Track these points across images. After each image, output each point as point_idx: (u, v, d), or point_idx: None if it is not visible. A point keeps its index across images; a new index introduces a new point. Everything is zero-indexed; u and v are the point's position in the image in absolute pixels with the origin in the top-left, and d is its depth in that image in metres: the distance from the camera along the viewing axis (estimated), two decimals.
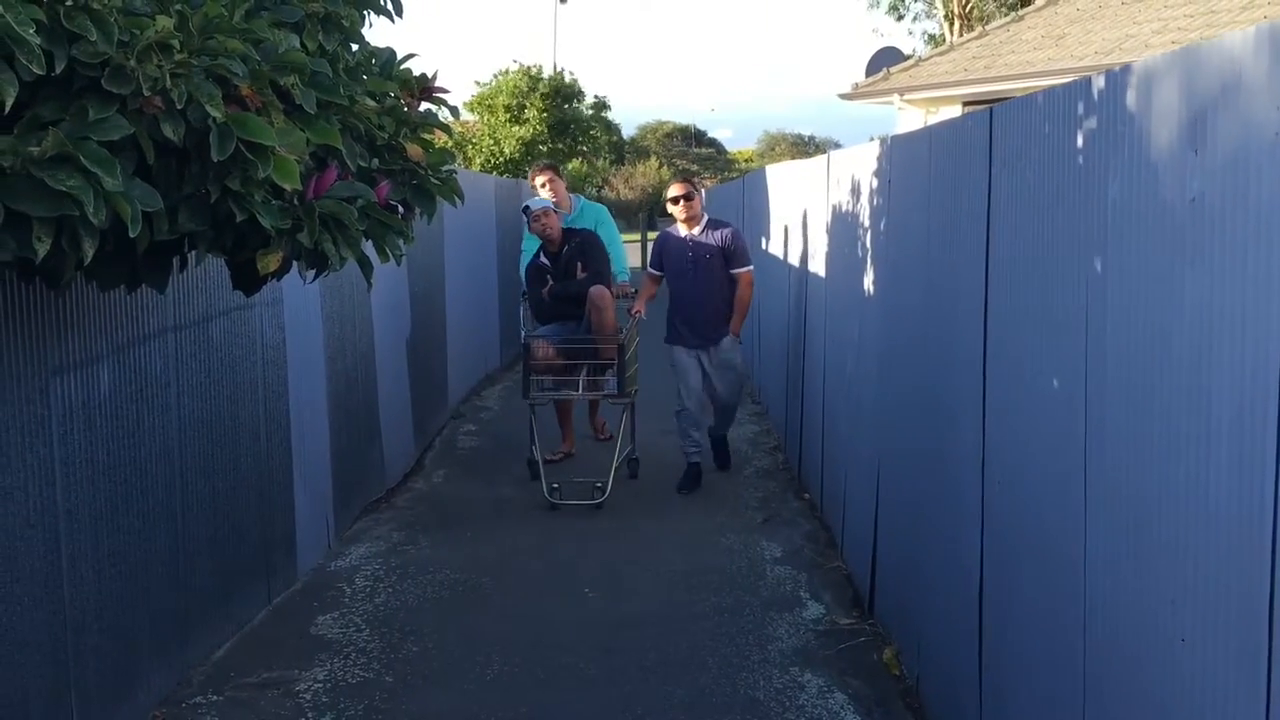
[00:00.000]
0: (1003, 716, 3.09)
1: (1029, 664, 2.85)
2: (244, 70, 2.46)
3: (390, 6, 3.34)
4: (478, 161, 21.57)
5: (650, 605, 5.04)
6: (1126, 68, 2.13)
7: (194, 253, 2.81)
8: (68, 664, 3.33)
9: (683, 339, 7.11)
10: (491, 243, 11.30)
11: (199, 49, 2.40)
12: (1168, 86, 1.99)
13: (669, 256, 7.14)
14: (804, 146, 59.14)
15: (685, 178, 7.35)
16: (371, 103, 3.09)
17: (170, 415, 4.02)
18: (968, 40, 15.60)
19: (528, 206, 7.31)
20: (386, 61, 3.27)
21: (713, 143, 62.18)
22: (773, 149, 59.00)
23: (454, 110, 3.47)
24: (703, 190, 7.46)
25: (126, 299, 3.67)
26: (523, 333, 7.42)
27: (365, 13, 3.24)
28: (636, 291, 7.44)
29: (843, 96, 16.32)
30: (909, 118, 14.04)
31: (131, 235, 2.26)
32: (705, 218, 7.13)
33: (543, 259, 7.28)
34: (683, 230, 7.09)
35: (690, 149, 58.86)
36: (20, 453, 3.09)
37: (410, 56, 3.29)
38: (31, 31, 2.04)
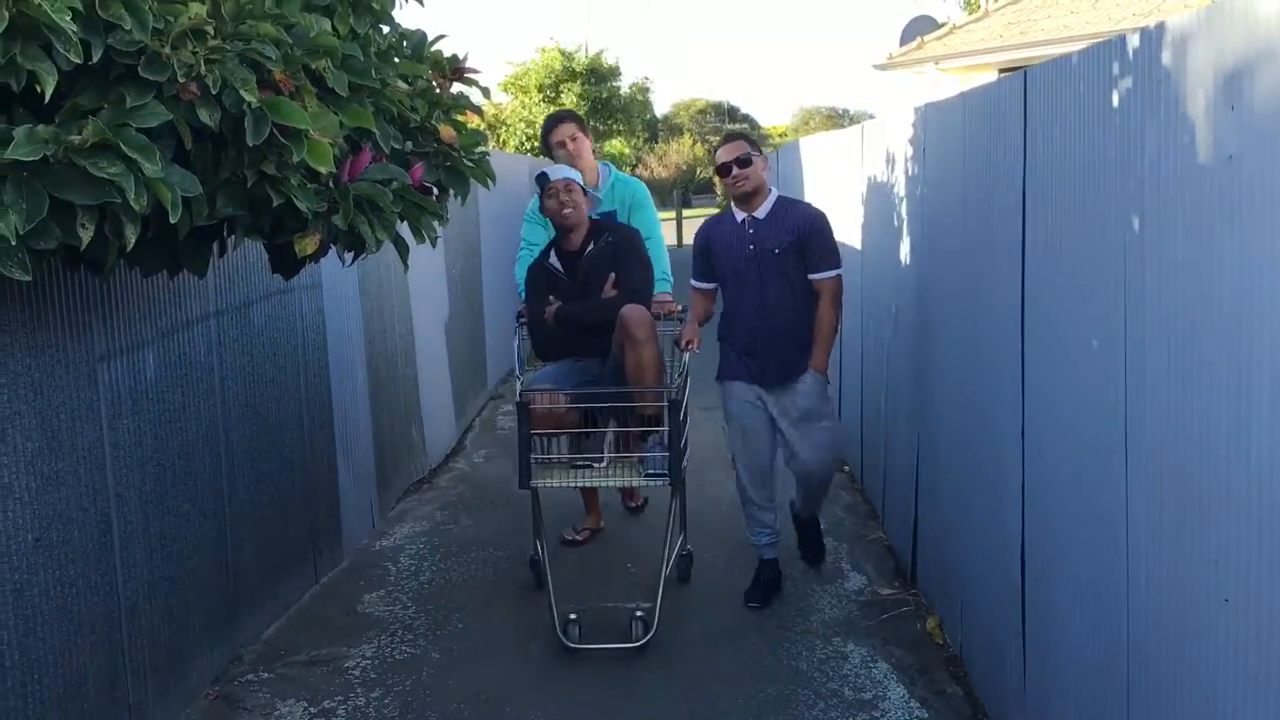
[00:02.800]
0: (1046, 683, 3.09)
1: (1072, 629, 2.84)
2: (277, 55, 2.48)
3: None
4: (511, 143, 21.59)
5: (693, 574, 5.07)
6: (1160, 25, 2.10)
7: (232, 237, 2.85)
8: (122, 644, 3.41)
9: (740, 375, 4.67)
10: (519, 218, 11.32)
11: (232, 34, 2.43)
12: (1203, 44, 1.97)
13: (719, 255, 4.70)
14: (839, 119, 58.66)
15: (739, 137, 4.81)
16: (404, 85, 3.11)
17: (215, 399, 4.08)
18: (1003, 6, 15.41)
19: (544, 174, 4.82)
20: (418, 43, 3.28)
21: (746, 118, 61.81)
22: (807, 123, 58.55)
23: (485, 91, 3.49)
24: (764, 155, 4.74)
25: (169, 285, 3.72)
26: (517, 381, 4.66)
27: None
28: (686, 313, 4.91)
29: (877, 67, 16.18)
30: (945, 86, 13.88)
31: (172, 221, 2.29)
32: (773, 194, 4.65)
33: (553, 260, 4.87)
34: (738, 213, 4.65)
35: (723, 124, 58.59)
36: (71, 437, 3.15)
37: (441, 38, 3.30)
38: (69, 20, 2.07)
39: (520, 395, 4.40)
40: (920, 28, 16.74)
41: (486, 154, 3.40)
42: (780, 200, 4.62)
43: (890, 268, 5.26)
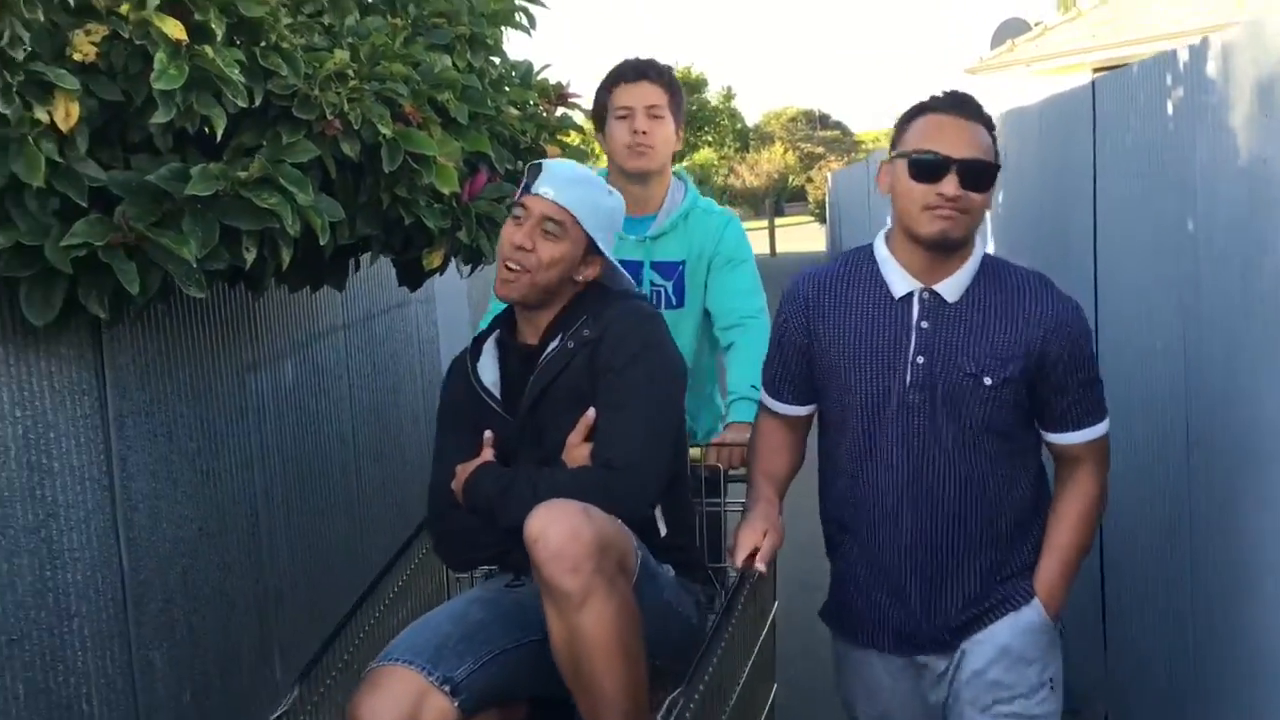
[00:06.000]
0: (1121, 665, 3.23)
1: (1143, 594, 3.00)
2: (407, 91, 2.80)
3: (525, 23, 3.67)
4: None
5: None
6: (1204, 40, 2.29)
7: (367, 254, 3.18)
8: (271, 626, 3.77)
9: (875, 636, 2.40)
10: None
11: (369, 75, 2.75)
12: (1243, 57, 2.16)
13: (835, 355, 2.30)
14: None
15: (964, 101, 2.18)
16: (514, 111, 3.42)
17: (344, 405, 4.44)
18: (1096, 5, 15.31)
19: (537, 166, 2.44)
20: (525, 73, 3.59)
21: (837, 124, 61.58)
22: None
23: (586, 113, 3.78)
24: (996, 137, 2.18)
25: (305, 301, 4.09)
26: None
27: (505, 29, 3.57)
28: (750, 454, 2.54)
29: (968, 72, 16.19)
30: (1036, 89, 13.87)
31: (321, 243, 2.61)
32: (979, 251, 2.25)
33: (484, 364, 2.50)
34: (897, 275, 2.23)
35: (815, 132, 58.44)
36: (225, 440, 3.52)
37: (546, 67, 3.61)
38: (236, 72, 2.41)
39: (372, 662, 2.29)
40: (1011, 30, 16.70)
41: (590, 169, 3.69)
42: (991, 267, 2.23)
43: None
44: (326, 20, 2.88)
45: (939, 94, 2.15)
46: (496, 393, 2.41)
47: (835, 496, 2.38)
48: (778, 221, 27.21)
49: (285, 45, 2.57)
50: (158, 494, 3.12)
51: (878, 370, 2.22)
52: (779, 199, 36.63)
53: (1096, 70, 12.52)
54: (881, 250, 2.25)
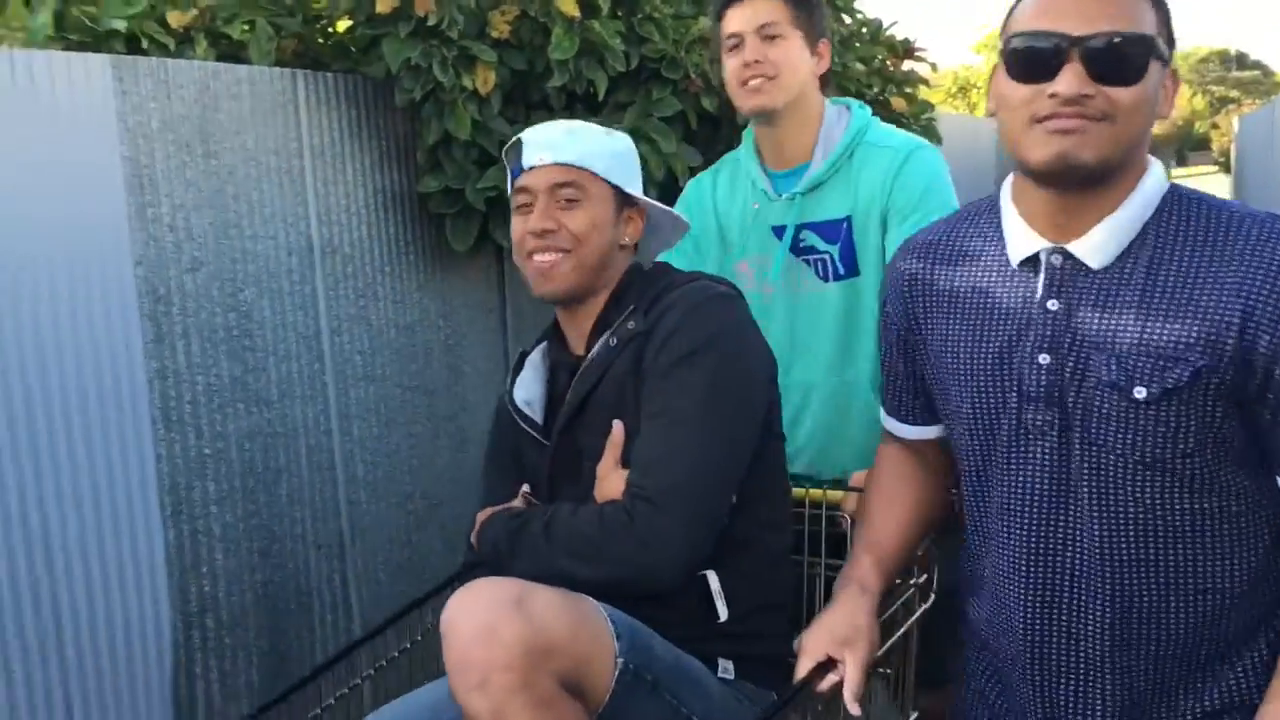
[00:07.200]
0: None
1: None
2: None
3: None
4: (983, 106, 21.38)
5: None
6: None
7: None
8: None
9: None
10: (989, 187, 11.48)
11: None
12: None
13: (931, 349, 1.54)
14: None
15: None
16: (860, 66, 3.69)
17: None
18: None
19: (516, 143, 1.80)
20: (875, 30, 3.85)
21: (1256, 64, 55.63)
22: None
23: (934, 66, 4.00)
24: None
25: None
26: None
27: None
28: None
29: None
30: None
31: (680, 186, 3.04)
32: (1152, 173, 1.37)
33: (525, 381, 1.87)
34: (1012, 218, 1.42)
35: (1230, 72, 53.17)
36: None
37: (894, 24, 3.85)
38: (617, 41, 2.86)
39: None
40: None
41: (934, 119, 3.91)
42: (1177, 208, 1.37)
43: None
44: None
45: None
46: (533, 414, 1.81)
47: (961, 573, 1.60)
48: (1176, 173, 25.35)
49: (657, 15, 3.00)
50: None
51: (986, 375, 1.42)
52: (1181, 148, 33.88)
53: None
54: (1005, 196, 1.44)
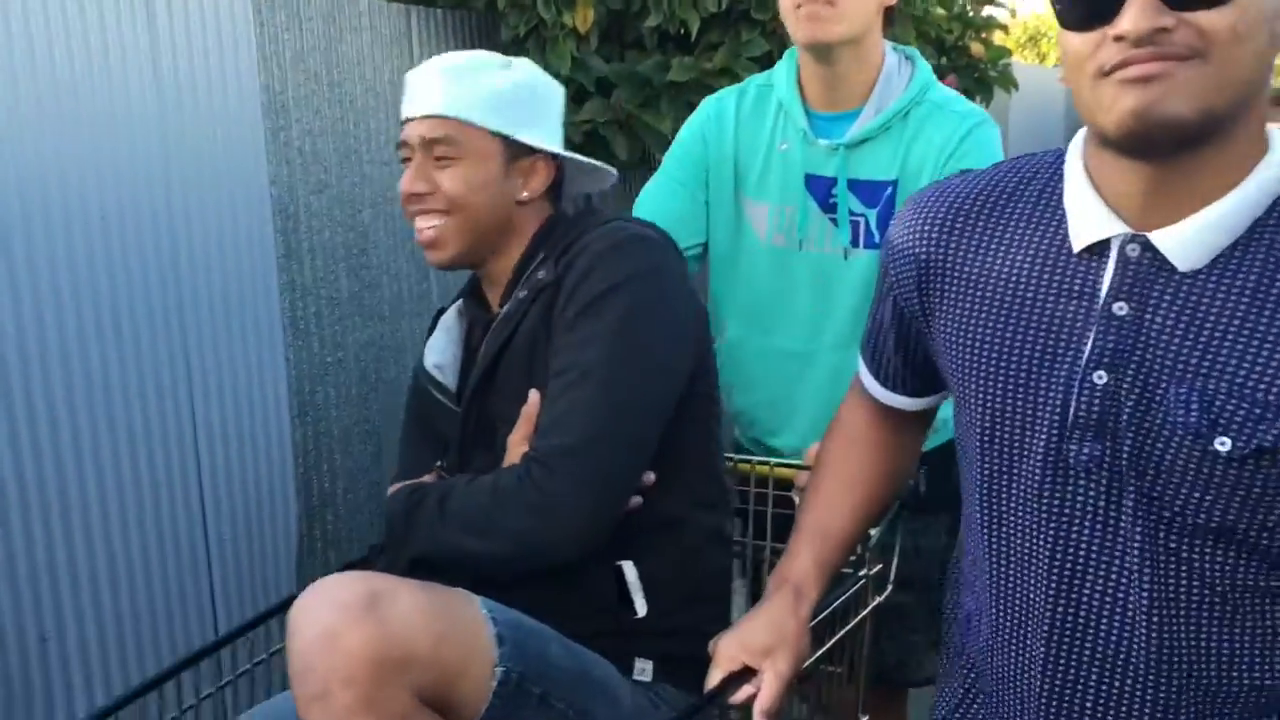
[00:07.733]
0: None
1: None
2: None
3: None
4: (1054, 55, 21.07)
5: None
6: None
7: None
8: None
9: None
10: (1058, 141, 11.41)
11: None
12: None
13: (945, 336, 1.16)
14: None
15: None
16: (941, 11, 3.79)
17: None
18: None
19: (407, 125, 1.57)
20: None
21: None
22: None
23: (1013, 12, 4.07)
24: None
25: None
26: None
27: None
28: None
29: None
30: None
31: None
32: (1273, 162, 0.98)
33: (439, 339, 1.68)
34: (1081, 190, 1.05)
35: None
36: None
37: None
38: None
39: None
40: None
41: (1009, 64, 3.99)
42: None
43: None
44: None
45: None
46: (444, 379, 1.63)
47: (949, 579, 1.38)
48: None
49: None
50: None
51: (1017, 389, 1.10)
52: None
53: None
54: (1074, 159, 1.09)
